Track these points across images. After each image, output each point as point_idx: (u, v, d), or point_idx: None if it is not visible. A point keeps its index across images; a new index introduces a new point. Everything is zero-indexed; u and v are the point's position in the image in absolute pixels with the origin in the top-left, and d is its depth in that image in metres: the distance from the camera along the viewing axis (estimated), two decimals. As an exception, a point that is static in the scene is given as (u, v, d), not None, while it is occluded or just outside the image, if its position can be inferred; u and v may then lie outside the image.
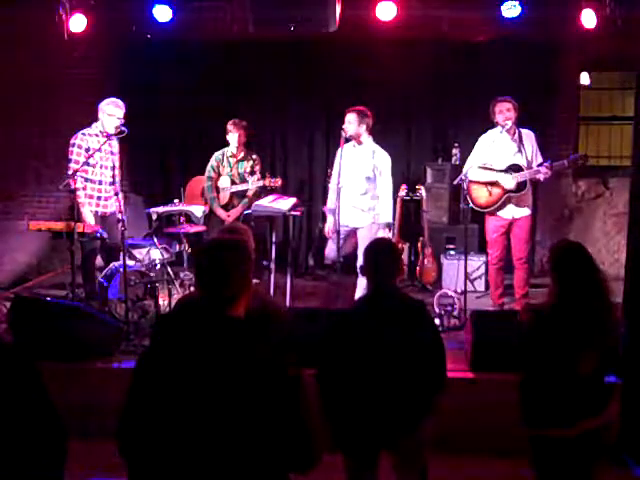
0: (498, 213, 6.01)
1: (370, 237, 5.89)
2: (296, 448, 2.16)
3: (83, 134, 6.10)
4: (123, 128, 5.91)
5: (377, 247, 3.50)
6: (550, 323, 3.19)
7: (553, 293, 3.25)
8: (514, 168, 5.86)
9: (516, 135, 5.89)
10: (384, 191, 5.99)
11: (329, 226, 6.13)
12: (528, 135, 5.94)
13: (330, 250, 6.09)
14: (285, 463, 2.19)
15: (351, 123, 5.87)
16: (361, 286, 6.02)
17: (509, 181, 5.87)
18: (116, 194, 6.16)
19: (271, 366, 2.15)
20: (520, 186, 5.85)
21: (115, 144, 6.19)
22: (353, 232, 5.99)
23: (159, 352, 2.24)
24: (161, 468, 2.17)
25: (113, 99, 6.08)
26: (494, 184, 5.94)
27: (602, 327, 3.16)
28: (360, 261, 6.02)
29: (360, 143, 5.95)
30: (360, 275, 6.02)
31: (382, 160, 5.99)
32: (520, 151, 5.89)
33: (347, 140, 5.93)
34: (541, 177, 5.82)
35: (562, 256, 3.29)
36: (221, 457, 2.11)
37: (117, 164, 6.24)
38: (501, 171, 5.90)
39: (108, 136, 5.99)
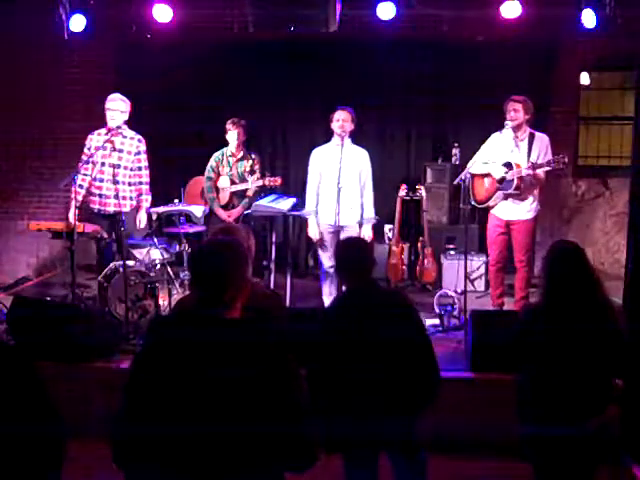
0: (495, 212, 6.01)
1: (356, 233, 5.94)
2: (295, 447, 2.16)
3: (91, 133, 6.18)
4: (116, 125, 5.97)
5: (347, 245, 3.52)
6: (536, 322, 3.20)
7: (542, 293, 3.27)
8: (507, 166, 5.86)
9: (523, 136, 5.85)
10: (368, 189, 6.06)
11: (315, 230, 6.07)
12: (539, 138, 5.85)
13: (325, 255, 6.05)
14: (283, 462, 2.19)
15: (347, 121, 5.90)
16: None
17: (498, 171, 5.86)
18: (139, 194, 6.22)
19: (270, 366, 2.15)
20: (508, 183, 5.84)
21: (132, 143, 6.15)
22: (338, 230, 5.99)
23: (154, 355, 2.23)
24: (156, 470, 2.16)
25: (110, 95, 6.13)
26: (489, 177, 5.96)
27: (593, 328, 3.14)
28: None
29: (343, 141, 5.95)
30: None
31: (365, 159, 6.05)
32: (520, 151, 5.87)
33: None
34: (523, 174, 5.76)
35: (552, 256, 3.30)
36: (219, 458, 2.11)
37: (142, 165, 6.20)
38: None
39: (111, 133, 6.03)
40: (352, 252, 3.37)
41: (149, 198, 6.32)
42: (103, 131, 6.15)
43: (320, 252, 6.16)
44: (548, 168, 5.70)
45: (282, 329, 3.29)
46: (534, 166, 5.69)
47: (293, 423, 2.13)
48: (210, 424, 2.10)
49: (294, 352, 2.28)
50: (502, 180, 5.84)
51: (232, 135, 6.48)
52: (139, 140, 6.20)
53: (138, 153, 6.20)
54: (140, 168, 6.23)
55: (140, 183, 6.25)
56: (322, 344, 3.23)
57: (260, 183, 6.44)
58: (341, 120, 5.89)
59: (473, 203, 6.11)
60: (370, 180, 6.08)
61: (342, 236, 5.95)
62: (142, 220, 6.27)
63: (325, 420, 3.17)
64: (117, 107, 6.05)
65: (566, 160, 5.62)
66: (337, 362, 3.17)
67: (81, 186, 6.09)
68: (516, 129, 5.83)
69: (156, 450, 2.14)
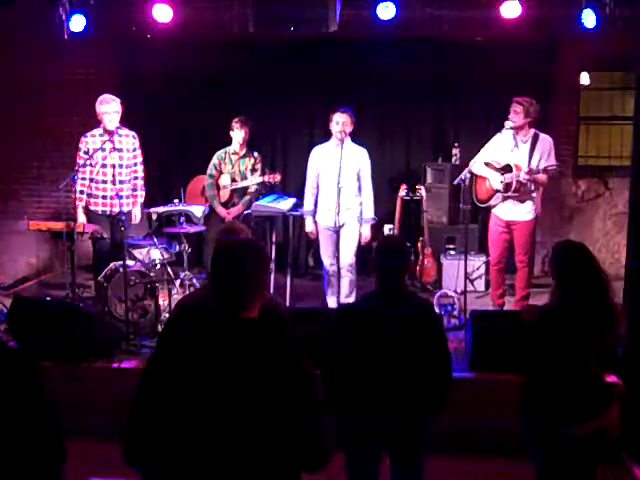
0: (496, 212, 6.02)
1: (356, 234, 5.95)
2: (310, 446, 2.16)
3: (85, 136, 6.19)
4: (115, 126, 5.99)
5: (386, 244, 3.50)
6: (554, 324, 3.19)
7: (556, 294, 3.26)
8: (507, 169, 5.86)
9: (526, 137, 5.83)
10: (367, 188, 6.06)
11: (310, 227, 6.16)
12: (543, 140, 5.83)
13: (327, 254, 6.07)
14: (299, 462, 2.19)
15: (347, 124, 5.91)
16: (345, 284, 6.02)
17: (496, 181, 5.89)
18: (134, 190, 6.25)
19: (288, 367, 2.15)
20: (507, 187, 5.84)
21: (128, 141, 6.18)
22: (339, 230, 6.00)
23: (172, 354, 2.22)
24: (173, 469, 2.15)
25: (101, 97, 6.11)
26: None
27: (604, 327, 3.16)
28: (344, 259, 6.02)
29: (343, 142, 5.95)
30: (344, 274, 6.03)
31: (364, 158, 6.06)
32: (520, 151, 5.86)
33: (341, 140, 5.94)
34: (520, 178, 5.76)
35: (565, 256, 3.29)
36: (237, 457, 2.11)
37: (137, 161, 6.25)
38: (498, 169, 5.91)
39: (110, 133, 6.03)
40: (389, 254, 3.33)
41: (143, 194, 6.38)
42: (97, 132, 6.14)
43: (321, 251, 6.17)
44: (544, 175, 5.71)
45: (288, 329, 3.29)
46: (531, 172, 5.70)
47: (309, 422, 2.13)
48: (226, 423, 2.10)
49: (303, 352, 2.28)
50: (504, 187, 5.84)
51: (238, 134, 6.47)
52: (133, 137, 6.23)
53: (134, 150, 6.23)
54: (136, 164, 6.27)
55: (136, 179, 6.29)
56: (341, 342, 3.23)
57: (260, 180, 6.44)
58: (341, 123, 5.90)
59: (475, 202, 6.14)
60: (369, 179, 6.07)
61: (342, 234, 5.98)
62: (137, 215, 6.31)
63: (336, 418, 3.19)
64: (113, 109, 6.04)
65: (558, 168, 5.65)
66: (355, 361, 3.17)
67: (82, 191, 6.10)
68: (518, 129, 5.82)
69: (171, 450, 2.13)
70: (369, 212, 6.06)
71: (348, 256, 6.02)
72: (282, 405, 2.10)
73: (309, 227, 6.20)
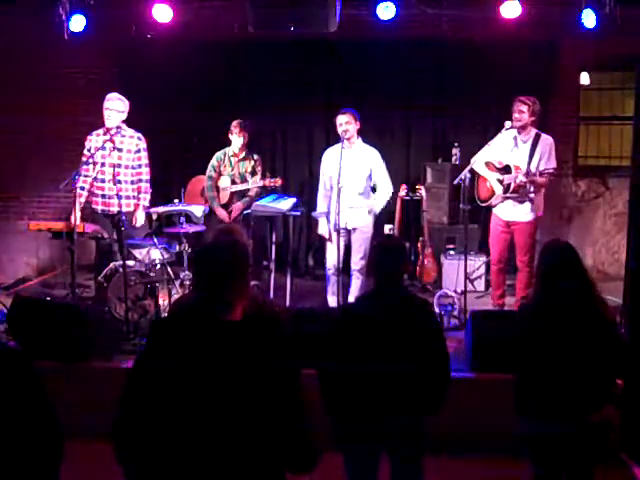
0: (497, 212, 6.02)
1: (367, 238, 5.94)
2: (298, 448, 2.16)
3: (90, 134, 6.19)
4: (113, 124, 5.98)
5: (385, 244, 3.52)
6: (529, 321, 3.25)
7: (534, 290, 3.30)
8: (506, 170, 5.85)
9: (527, 137, 5.81)
10: (383, 186, 6.08)
11: (324, 229, 6.12)
12: (544, 140, 5.80)
13: (331, 255, 6.06)
14: (286, 463, 2.19)
15: (350, 123, 5.90)
16: (356, 286, 6.03)
17: (496, 182, 5.90)
18: (137, 192, 6.21)
19: (269, 367, 2.15)
20: (506, 188, 5.85)
21: (131, 142, 6.16)
22: (349, 232, 6.00)
23: (156, 356, 2.23)
24: (159, 466, 2.16)
25: (109, 94, 6.13)
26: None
27: (587, 327, 3.16)
28: (355, 261, 6.04)
29: (352, 143, 5.96)
30: (355, 275, 6.04)
31: (376, 157, 6.06)
32: (520, 151, 5.85)
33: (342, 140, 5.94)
34: (518, 181, 5.74)
35: (545, 254, 3.33)
36: (221, 457, 2.12)
37: (142, 163, 6.20)
38: (498, 170, 5.91)
39: (110, 133, 6.04)
40: (387, 254, 3.35)
41: (147, 197, 6.32)
42: (101, 131, 6.17)
43: (326, 251, 6.17)
44: (542, 178, 5.70)
45: (283, 333, 3.29)
46: (528, 175, 5.69)
47: (294, 425, 2.13)
48: (214, 424, 2.11)
49: (303, 352, 2.29)
50: (504, 191, 5.86)
51: (237, 139, 6.44)
52: (139, 138, 6.20)
53: (138, 151, 6.20)
54: (140, 166, 6.23)
55: (140, 181, 6.25)
56: (339, 342, 3.23)
57: (261, 184, 6.44)
58: (344, 124, 5.90)
59: (477, 201, 6.15)
60: (384, 177, 6.08)
61: (353, 238, 5.98)
62: (138, 219, 6.27)
63: (332, 419, 3.20)
64: (114, 107, 6.06)
65: (555, 172, 5.63)
66: (352, 361, 3.18)
67: (82, 188, 6.10)
68: (520, 129, 5.81)
69: (157, 449, 2.14)
70: (379, 205, 6.11)
71: (359, 259, 6.03)
72: (266, 405, 2.10)
73: (322, 229, 6.15)
